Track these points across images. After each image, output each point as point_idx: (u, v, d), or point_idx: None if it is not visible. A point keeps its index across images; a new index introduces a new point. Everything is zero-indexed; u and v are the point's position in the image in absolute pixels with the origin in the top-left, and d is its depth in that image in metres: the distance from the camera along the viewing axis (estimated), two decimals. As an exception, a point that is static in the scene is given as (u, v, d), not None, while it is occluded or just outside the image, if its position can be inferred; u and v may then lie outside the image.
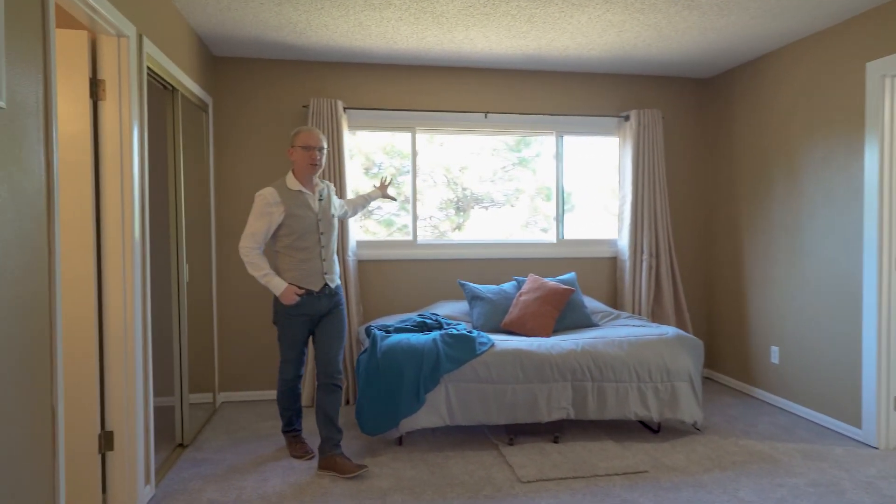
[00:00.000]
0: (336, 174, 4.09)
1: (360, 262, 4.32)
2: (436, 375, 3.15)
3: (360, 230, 4.41)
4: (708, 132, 4.76)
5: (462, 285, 4.03)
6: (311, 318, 3.01)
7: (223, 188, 4.14)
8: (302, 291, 2.91)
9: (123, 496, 2.52)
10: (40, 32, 1.80)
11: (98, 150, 2.50)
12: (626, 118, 4.54)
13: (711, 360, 4.75)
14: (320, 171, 3.02)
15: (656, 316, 4.52)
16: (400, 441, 3.33)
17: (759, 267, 4.19)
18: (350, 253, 4.12)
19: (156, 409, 3.70)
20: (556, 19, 3.40)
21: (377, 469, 3.00)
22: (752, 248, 4.27)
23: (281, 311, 2.99)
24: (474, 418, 3.23)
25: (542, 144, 4.64)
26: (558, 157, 4.63)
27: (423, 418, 3.16)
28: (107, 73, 2.48)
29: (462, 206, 4.56)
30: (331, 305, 3.03)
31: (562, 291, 3.81)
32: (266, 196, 2.89)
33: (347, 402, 4.09)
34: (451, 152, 4.51)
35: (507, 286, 4.06)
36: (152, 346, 2.82)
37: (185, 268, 3.33)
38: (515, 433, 3.46)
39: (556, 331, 3.81)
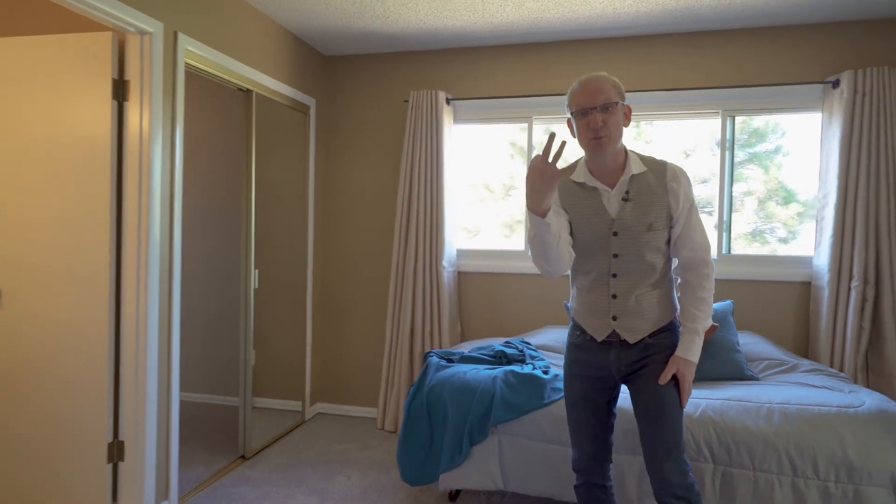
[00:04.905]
0: (432, 177, 3.63)
1: (461, 275, 3.79)
2: (485, 425, 2.48)
3: (465, 235, 3.88)
4: (985, 95, 3.08)
5: (567, 309, 3.22)
6: (597, 380, 1.85)
7: (327, 191, 4.00)
8: (564, 169, 1.57)
9: (132, 510, 2.44)
10: None
11: (121, 152, 2.46)
12: (835, 84, 3.17)
13: (982, 447, 3.06)
14: (614, 143, 1.71)
15: (873, 374, 3.07)
16: (453, 496, 2.73)
17: None
18: (446, 263, 3.62)
19: (220, 417, 3.75)
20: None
21: (406, 529, 2.47)
22: None
23: (565, 361, 1.96)
24: (535, 487, 2.47)
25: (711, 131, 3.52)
26: (726, 144, 3.47)
27: (468, 476, 2.52)
28: (131, 73, 2.43)
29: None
30: (632, 365, 1.81)
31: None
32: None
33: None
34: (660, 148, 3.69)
35: (627, 314, 3.12)
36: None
37: (255, 273, 3.22)
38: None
39: (687, 380, 2.77)
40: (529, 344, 3.14)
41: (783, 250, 3.43)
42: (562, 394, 2.51)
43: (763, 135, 3.47)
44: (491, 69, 3.72)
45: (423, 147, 3.63)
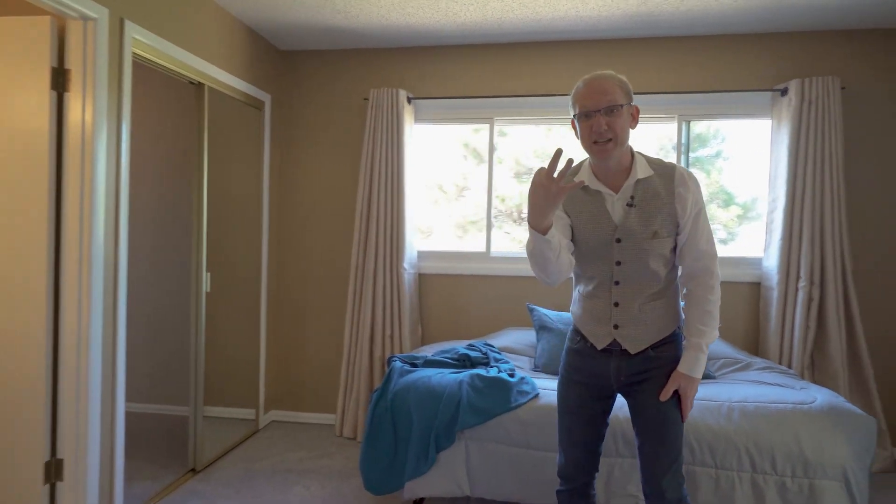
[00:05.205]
0: (393, 178, 3.56)
1: (422, 276, 3.73)
2: (451, 430, 2.44)
3: (436, 238, 3.82)
4: (918, 106, 3.28)
5: (531, 310, 3.22)
6: (595, 388, 1.79)
7: (283, 190, 3.87)
8: (569, 187, 1.45)
9: (73, 532, 2.26)
10: None
11: (61, 148, 2.28)
12: (784, 92, 3.30)
13: (915, 437, 3.25)
14: (619, 147, 1.62)
15: (818, 370, 3.20)
16: (417, 504, 2.68)
17: None
18: (407, 264, 3.56)
19: (169, 428, 3.57)
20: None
21: (370, 540, 2.39)
22: None
23: (562, 365, 1.88)
24: (502, 492, 2.44)
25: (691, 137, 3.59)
26: (682, 148, 3.55)
27: (434, 483, 2.47)
28: (73, 61, 2.25)
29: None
30: (633, 376, 1.74)
31: (655, 328, 2.80)
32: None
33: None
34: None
35: (589, 315, 3.14)
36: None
37: (207, 276, 3.07)
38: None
39: (648, 380, 2.82)
40: (493, 346, 3.11)
41: (725, 251, 3.54)
42: (528, 396, 2.49)
43: (705, 140, 3.58)
44: (453, 69, 3.68)
45: (383, 146, 3.55)
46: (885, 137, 3.31)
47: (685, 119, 3.55)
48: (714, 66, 3.45)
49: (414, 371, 2.71)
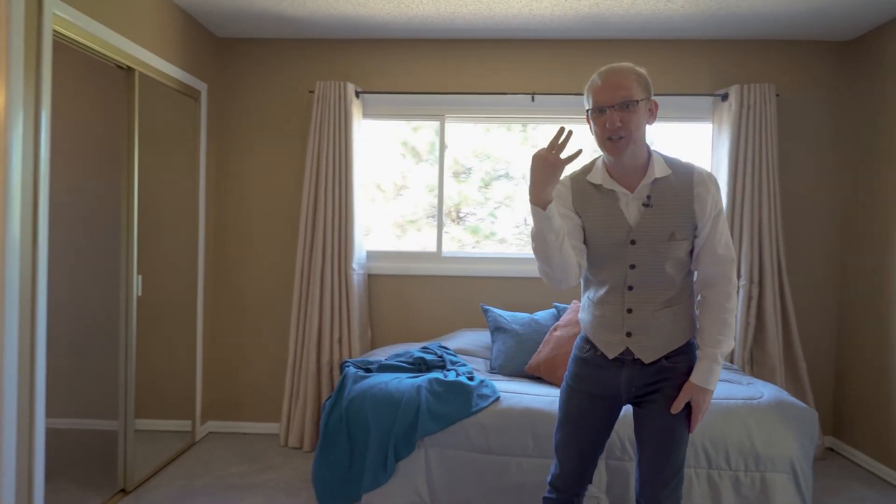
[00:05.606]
0: (341, 174, 3.41)
1: (372, 277, 3.61)
2: (411, 438, 2.34)
3: (382, 237, 3.70)
4: (844, 113, 3.48)
5: (485, 311, 3.18)
6: (601, 399, 1.71)
7: (221, 186, 3.63)
8: (569, 158, 1.45)
9: (-15, 570, 2.00)
10: None
11: (-32, 135, 2.01)
12: (724, 97, 3.41)
13: (840, 426, 3.45)
14: (634, 144, 1.56)
15: (758, 366, 3.34)
16: (373, 515, 2.56)
17: (917, 304, 2.90)
18: (356, 265, 3.42)
19: (95, 445, 3.28)
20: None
21: (325, 558, 2.26)
22: (906, 277, 2.97)
23: (567, 372, 1.80)
24: (464, 500, 2.37)
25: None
26: (628, 149, 3.61)
27: (392, 494, 2.36)
28: (-18, 38, 1.98)
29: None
30: (644, 387, 1.66)
31: (610, 327, 2.82)
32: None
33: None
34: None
35: (543, 315, 3.14)
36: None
37: (138, 279, 2.82)
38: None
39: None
40: (447, 348, 3.04)
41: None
42: (489, 400, 2.43)
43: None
44: (403, 64, 3.58)
45: (330, 142, 3.40)
46: (816, 142, 3.49)
47: (632, 121, 3.60)
48: (660, 69, 3.52)
49: (369, 376, 2.59)
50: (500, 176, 3.67)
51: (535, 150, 1.45)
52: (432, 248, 3.65)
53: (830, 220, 3.50)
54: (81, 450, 3.23)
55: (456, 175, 3.65)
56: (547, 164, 1.42)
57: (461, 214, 3.68)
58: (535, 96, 3.52)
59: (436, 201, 3.64)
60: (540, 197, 1.46)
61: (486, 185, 3.67)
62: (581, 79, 3.53)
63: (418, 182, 3.67)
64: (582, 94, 3.45)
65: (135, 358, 2.80)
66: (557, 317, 3.10)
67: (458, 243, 3.66)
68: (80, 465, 3.03)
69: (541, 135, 3.66)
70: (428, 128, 3.66)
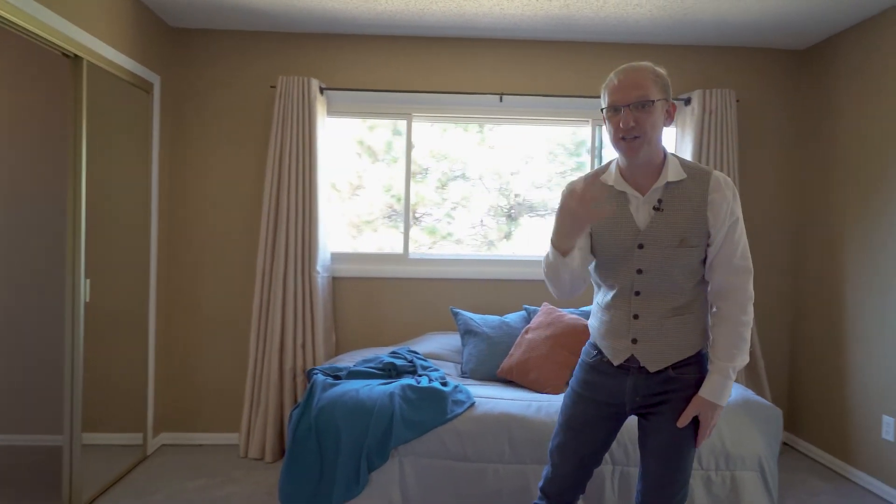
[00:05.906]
0: (304, 173, 3.29)
1: (336, 280, 3.50)
2: (385, 447, 2.26)
3: (338, 238, 3.59)
4: (800, 119, 3.60)
5: (454, 314, 3.12)
6: (605, 408, 1.66)
7: (175, 185, 3.44)
8: (598, 213, 1.40)
9: None
10: None
11: None
12: (687, 101, 3.48)
13: (794, 422, 3.57)
14: (649, 146, 1.51)
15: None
16: (343, 528, 2.46)
17: (869, 303, 3.02)
18: (320, 267, 3.31)
19: (38, 462, 3.05)
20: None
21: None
22: (859, 277, 3.10)
23: (573, 377, 1.76)
24: (439, 509, 2.31)
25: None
26: (595, 151, 3.63)
27: (365, 506, 2.28)
28: None
29: (514, 213, 3.66)
30: (650, 398, 1.61)
31: (581, 330, 2.82)
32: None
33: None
34: (502, 154, 3.62)
35: (513, 318, 3.11)
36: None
37: (86, 283, 2.63)
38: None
39: (575, 382, 2.83)
40: (417, 353, 2.97)
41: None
42: (465, 406, 2.38)
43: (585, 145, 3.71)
44: (370, 60, 3.48)
45: (293, 139, 3.27)
46: (773, 147, 3.60)
47: (598, 123, 3.63)
48: (626, 73, 3.55)
49: (339, 384, 2.50)
50: (457, 176, 3.63)
51: (569, 191, 1.42)
52: (390, 248, 3.57)
53: (787, 223, 3.62)
54: (24, 467, 2.98)
55: (413, 175, 3.59)
56: (577, 217, 1.39)
57: (417, 215, 3.62)
58: (504, 97, 3.49)
59: (392, 201, 3.56)
60: (564, 246, 1.47)
61: (443, 186, 3.62)
62: (548, 81, 3.53)
63: (374, 182, 3.58)
64: (550, 96, 3.45)
65: (82, 368, 2.61)
66: (528, 319, 3.08)
67: (415, 243, 3.60)
68: (23, 483, 2.80)
69: (497, 136, 3.63)
70: (384, 127, 3.58)
